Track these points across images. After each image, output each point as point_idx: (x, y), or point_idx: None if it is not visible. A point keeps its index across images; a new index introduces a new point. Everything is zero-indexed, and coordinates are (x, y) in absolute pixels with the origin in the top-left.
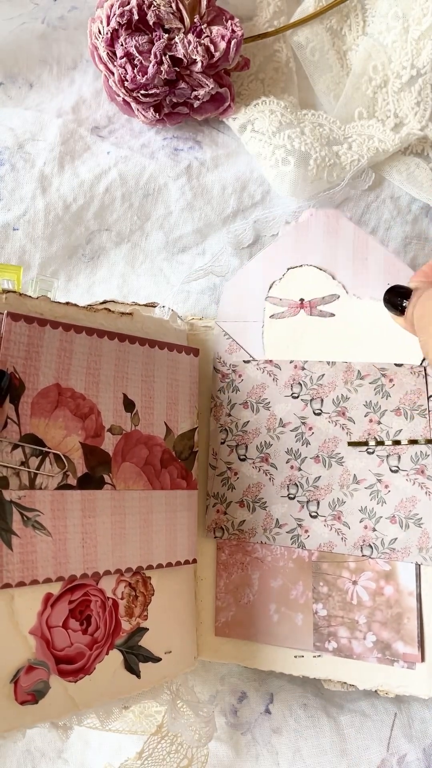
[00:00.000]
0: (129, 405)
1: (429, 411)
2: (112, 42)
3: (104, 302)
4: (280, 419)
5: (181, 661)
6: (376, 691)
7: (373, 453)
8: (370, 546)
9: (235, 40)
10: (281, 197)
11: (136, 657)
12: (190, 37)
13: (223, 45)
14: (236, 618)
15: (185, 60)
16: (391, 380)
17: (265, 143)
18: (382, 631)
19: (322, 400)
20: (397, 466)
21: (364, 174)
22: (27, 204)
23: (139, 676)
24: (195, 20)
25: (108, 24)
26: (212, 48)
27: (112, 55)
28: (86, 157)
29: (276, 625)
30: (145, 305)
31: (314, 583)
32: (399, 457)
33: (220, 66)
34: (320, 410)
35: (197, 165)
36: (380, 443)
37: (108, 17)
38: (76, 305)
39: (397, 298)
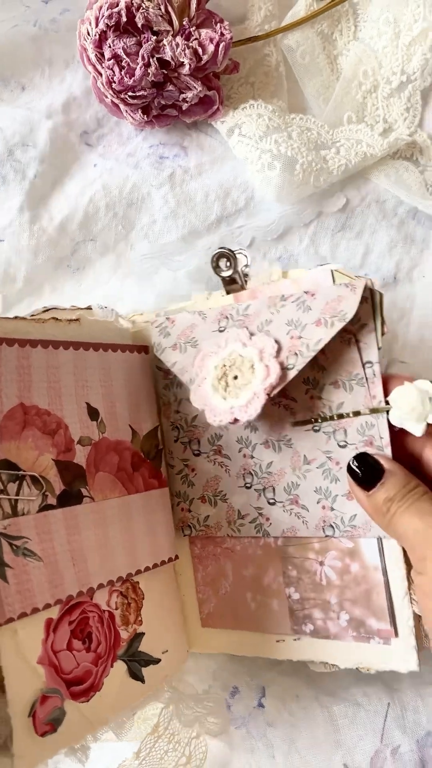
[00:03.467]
0: (93, 413)
1: (366, 379)
2: (100, 43)
3: (46, 310)
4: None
5: (178, 656)
6: (357, 669)
7: (319, 431)
8: (331, 526)
9: (223, 43)
10: (265, 203)
11: (138, 663)
12: (179, 39)
13: (211, 48)
14: (218, 608)
15: (173, 62)
16: (323, 353)
17: (251, 147)
18: (354, 608)
19: None
20: (345, 441)
21: (335, 197)
22: (13, 215)
23: (143, 681)
24: (184, 23)
25: (96, 25)
26: (200, 51)
27: (100, 56)
28: (74, 170)
29: (255, 612)
30: (86, 308)
31: (284, 568)
32: (345, 431)
33: (209, 69)
34: None
35: (180, 173)
36: (325, 419)
37: (97, 19)
38: (24, 318)
39: (365, 473)
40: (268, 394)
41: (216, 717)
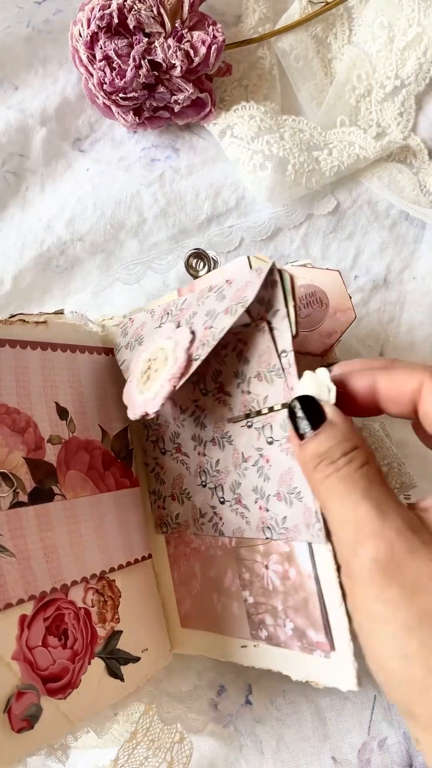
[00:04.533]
0: (63, 413)
1: (283, 369)
2: (91, 45)
3: (13, 316)
4: (180, 406)
5: (159, 656)
6: (307, 682)
7: (251, 426)
8: (268, 527)
9: (215, 45)
10: (257, 203)
11: (116, 661)
12: (170, 41)
13: (203, 50)
14: (192, 609)
15: (164, 64)
16: (246, 343)
17: (243, 148)
18: (297, 617)
19: (204, 378)
20: (272, 437)
21: (325, 199)
22: (5, 222)
23: (123, 680)
24: (176, 25)
25: (88, 27)
26: (192, 53)
27: (92, 58)
28: (68, 176)
29: (221, 614)
30: (54, 313)
31: (239, 570)
32: (271, 426)
33: (200, 71)
34: (205, 389)
35: (171, 173)
36: (256, 414)
37: (88, 20)
38: None
39: (303, 422)
40: (174, 386)
41: (197, 714)
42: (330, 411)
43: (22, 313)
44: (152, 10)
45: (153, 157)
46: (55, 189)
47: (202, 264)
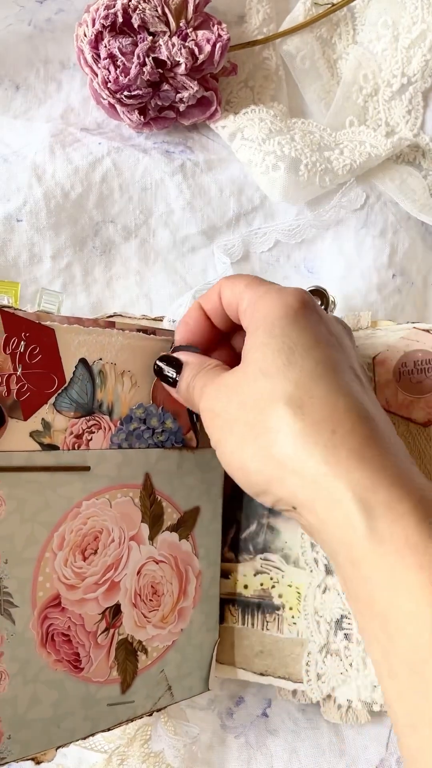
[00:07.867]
0: None
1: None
2: (96, 44)
3: (110, 316)
4: None
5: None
6: None
7: None
8: None
9: (220, 43)
10: (280, 203)
11: None
12: (175, 39)
13: (208, 48)
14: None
15: (169, 62)
16: None
17: (255, 150)
18: None
19: None
20: None
21: (354, 194)
22: (25, 193)
23: None
24: (181, 24)
25: (93, 26)
26: (197, 51)
27: (97, 57)
28: (77, 146)
29: None
30: (154, 319)
31: None
32: None
33: (205, 69)
34: None
35: (191, 165)
36: None
37: (93, 20)
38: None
39: (167, 370)
40: None
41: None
42: (182, 355)
43: (120, 315)
44: (157, 10)
45: (167, 149)
46: (66, 155)
47: (319, 302)
